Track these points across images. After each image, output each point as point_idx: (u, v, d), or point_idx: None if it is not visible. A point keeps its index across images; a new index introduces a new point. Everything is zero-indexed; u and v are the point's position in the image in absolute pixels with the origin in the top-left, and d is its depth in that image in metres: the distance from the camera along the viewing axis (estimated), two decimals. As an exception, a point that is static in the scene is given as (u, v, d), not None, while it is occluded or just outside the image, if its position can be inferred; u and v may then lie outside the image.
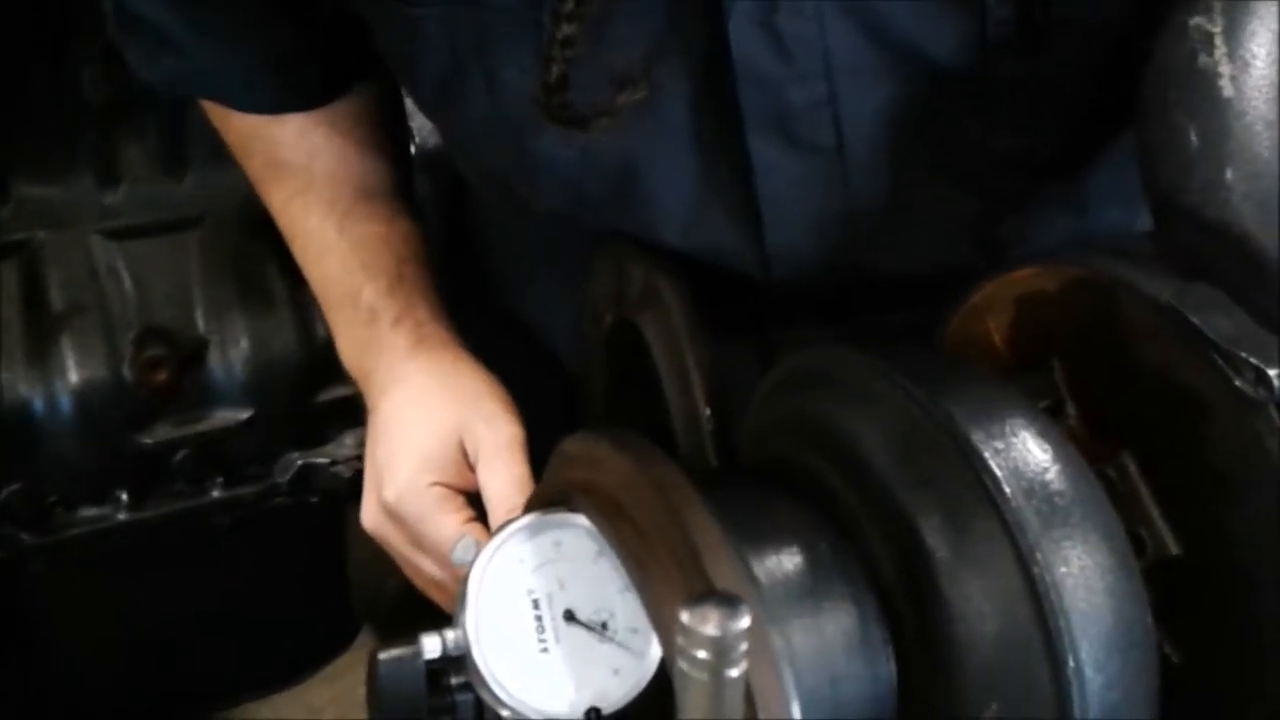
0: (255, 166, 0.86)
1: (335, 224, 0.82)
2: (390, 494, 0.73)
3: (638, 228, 0.70)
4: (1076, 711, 0.45)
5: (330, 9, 0.77)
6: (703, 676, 0.32)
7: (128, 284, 1.11)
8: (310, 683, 1.31)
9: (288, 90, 0.83)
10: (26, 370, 1.06)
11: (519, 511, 0.67)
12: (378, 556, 1.18)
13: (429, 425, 0.74)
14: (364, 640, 1.32)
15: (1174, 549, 0.53)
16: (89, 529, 1.08)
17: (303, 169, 0.84)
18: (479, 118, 0.69)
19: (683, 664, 0.32)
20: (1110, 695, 0.46)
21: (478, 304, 0.91)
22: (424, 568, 0.74)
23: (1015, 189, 0.72)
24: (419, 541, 0.73)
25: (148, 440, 1.09)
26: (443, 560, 0.72)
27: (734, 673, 0.32)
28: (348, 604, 1.25)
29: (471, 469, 0.72)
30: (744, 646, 0.32)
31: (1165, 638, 0.51)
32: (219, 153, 0.96)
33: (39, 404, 1.06)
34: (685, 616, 0.32)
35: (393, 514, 0.73)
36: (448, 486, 0.72)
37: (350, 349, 0.82)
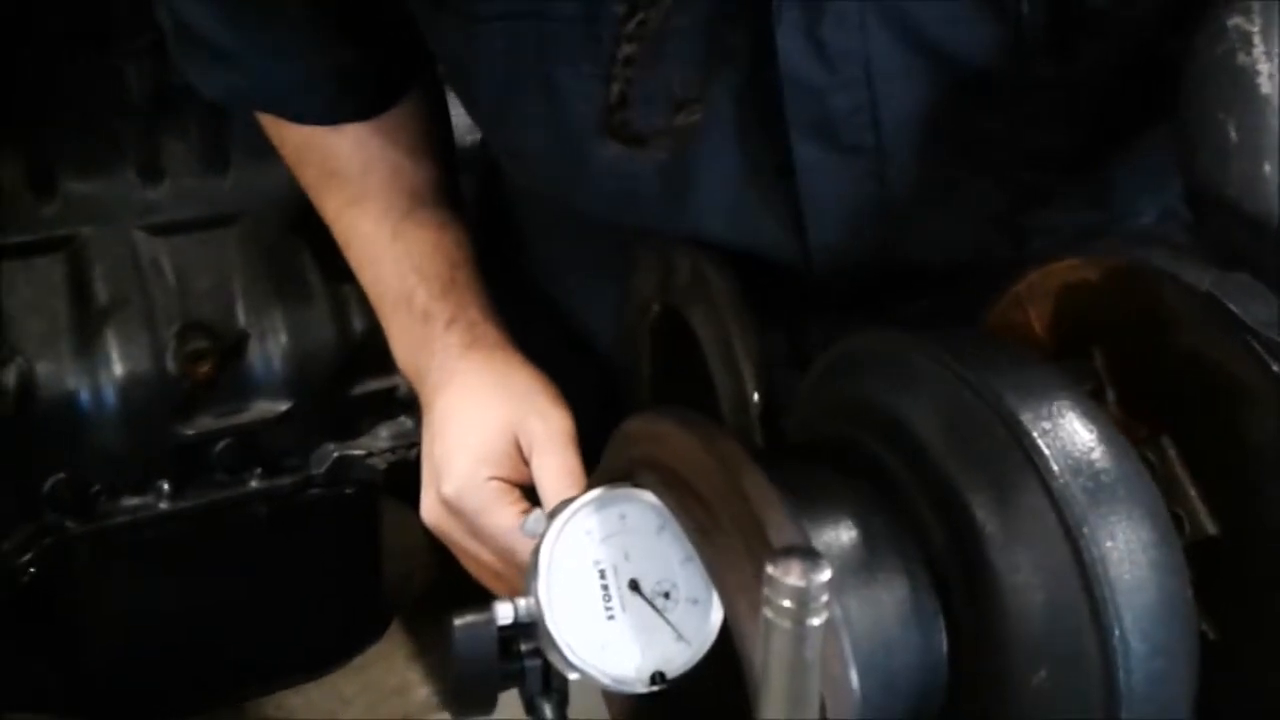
0: (310, 176, 0.89)
1: (389, 231, 0.85)
2: (449, 489, 0.75)
3: (683, 226, 0.72)
4: (1122, 679, 0.47)
5: (386, 20, 0.79)
6: (786, 624, 0.34)
7: (170, 278, 1.13)
8: (341, 672, 1.33)
9: (344, 101, 0.85)
10: (72, 363, 1.08)
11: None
12: (407, 549, 1.19)
13: (484, 421, 0.77)
14: (394, 631, 1.34)
15: (1211, 529, 0.55)
16: (131, 518, 1.11)
17: (357, 178, 0.86)
18: (535, 129, 0.71)
19: (768, 613, 0.34)
20: (1154, 664, 0.48)
21: (514, 295, 0.93)
22: (483, 558, 0.76)
23: (1043, 182, 0.74)
24: (478, 533, 0.76)
25: (189, 431, 1.12)
26: (502, 551, 0.74)
27: (815, 621, 0.34)
28: (380, 595, 1.27)
29: (526, 462, 0.75)
30: (825, 598, 0.34)
31: (1202, 615, 0.53)
32: (260, 150, 0.98)
33: (84, 396, 1.08)
34: (771, 569, 0.34)
35: (452, 508, 0.76)
36: (504, 480, 0.75)
37: (405, 350, 0.85)
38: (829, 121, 0.67)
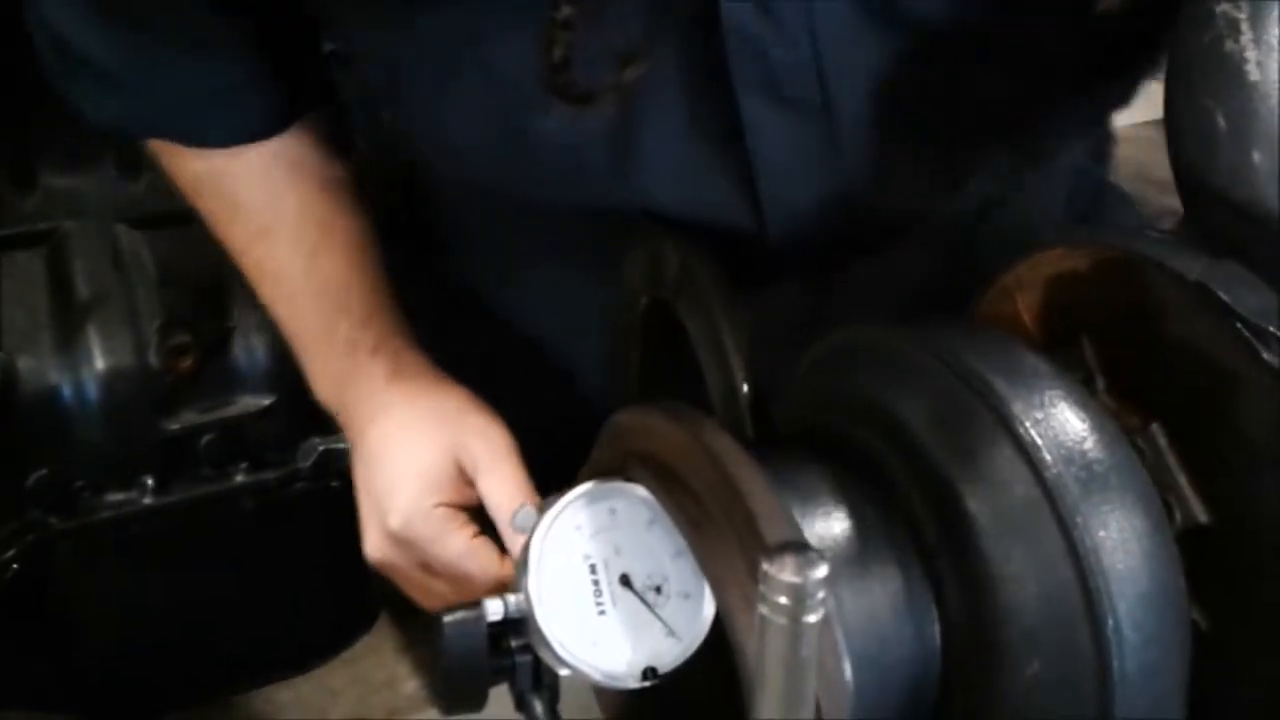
0: (213, 207, 0.85)
1: (302, 264, 0.82)
2: (396, 521, 0.75)
3: (632, 196, 0.71)
4: (1116, 669, 0.47)
5: (283, 30, 0.77)
6: (782, 621, 0.34)
7: (152, 272, 1.12)
8: (330, 666, 1.32)
9: (241, 121, 0.81)
10: (53, 358, 1.07)
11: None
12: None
13: (423, 447, 0.76)
14: (382, 625, 1.34)
15: (1202, 518, 0.55)
16: (115, 514, 1.10)
17: (265, 209, 0.83)
18: (472, 114, 0.70)
19: (764, 609, 0.34)
20: (1148, 654, 0.48)
21: (447, 305, 0.91)
22: (436, 588, 0.76)
23: (989, 138, 0.74)
24: (429, 563, 0.75)
25: (173, 426, 1.11)
26: (456, 578, 0.74)
27: (812, 619, 0.34)
28: (368, 588, 1.27)
29: (470, 483, 0.75)
30: (821, 594, 0.34)
31: (1193, 604, 0.53)
32: (241, 143, 0.97)
33: (66, 391, 1.07)
34: (767, 565, 0.34)
35: (400, 540, 0.75)
36: (451, 505, 0.75)
37: (328, 383, 0.83)
38: (774, 77, 0.67)
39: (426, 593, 0.77)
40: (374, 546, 0.77)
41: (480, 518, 0.74)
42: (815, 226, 0.73)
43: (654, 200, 0.71)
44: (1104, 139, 0.97)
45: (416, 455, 0.75)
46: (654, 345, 0.74)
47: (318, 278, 0.81)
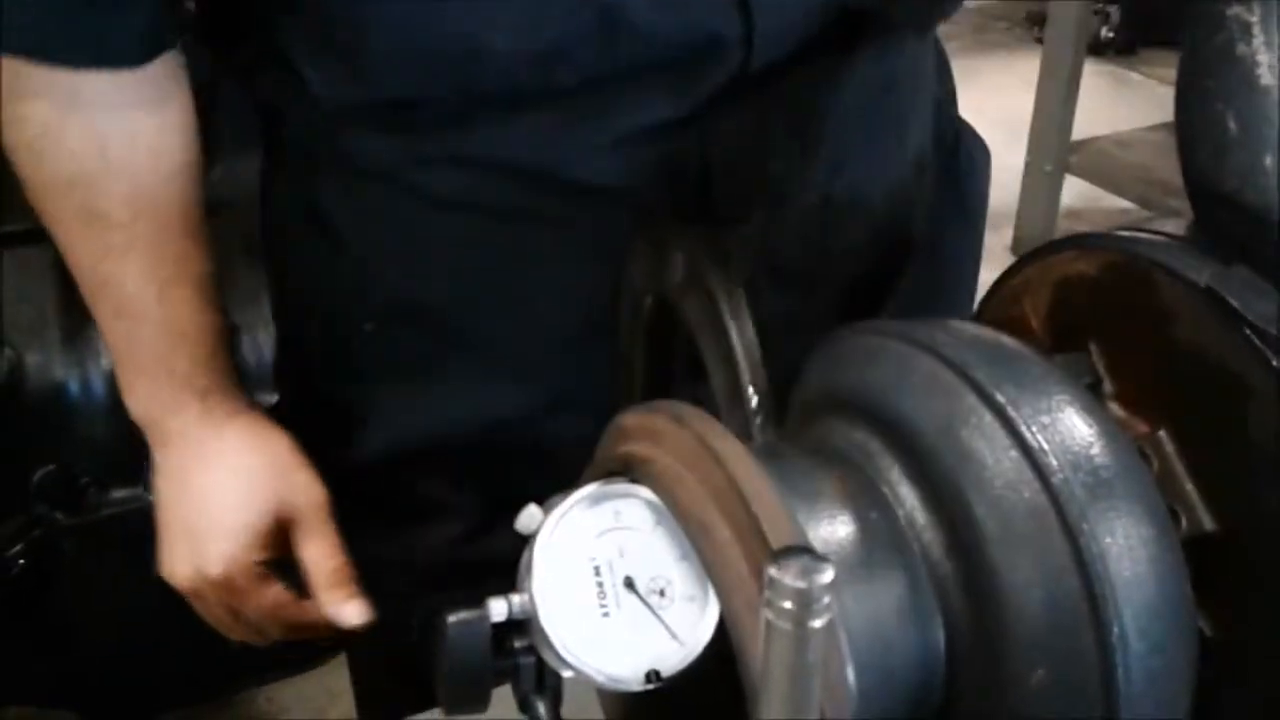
0: (67, 214, 0.78)
1: (155, 293, 0.79)
2: (215, 569, 0.78)
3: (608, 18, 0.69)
4: (1121, 676, 0.47)
5: None
6: (787, 626, 0.34)
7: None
8: (330, 666, 1.33)
9: (108, 32, 0.73)
10: (60, 354, 1.08)
11: (340, 574, 0.78)
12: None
13: (252, 501, 0.79)
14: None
15: (1209, 525, 0.55)
16: (120, 509, 1.10)
17: (126, 225, 0.77)
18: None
19: (769, 614, 0.34)
20: (1153, 661, 0.48)
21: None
22: (234, 625, 0.82)
23: None
24: (237, 611, 0.81)
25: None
26: (258, 625, 0.81)
27: (817, 623, 0.34)
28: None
29: (286, 534, 0.79)
30: (827, 599, 0.34)
31: (1199, 611, 0.53)
32: (247, 141, 0.97)
33: (72, 387, 1.08)
34: (773, 570, 0.34)
35: (214, 585, 0.79)
36: (269, 560, 0.79)
37: (149, 404, 0.81)
38: None
39: (224, 624, 0.83)
40: (184, 578, 0.80)
41: (288, 566, 0.80)
42: (801, 21, 0.74)
43: (630, 10, 0.69)
44: (945, 69, 0.97)
45: (244, 509, 0.79)
46: (658, 345, 0.74)
47: (166, 310, 0.79)
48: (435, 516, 0.87)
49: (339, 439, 0.86)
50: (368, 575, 0.82)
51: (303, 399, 0.92)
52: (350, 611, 0.78)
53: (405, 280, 0.82)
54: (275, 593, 0.80)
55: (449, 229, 0.79)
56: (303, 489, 0.79)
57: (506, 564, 0.81)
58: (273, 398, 1.11)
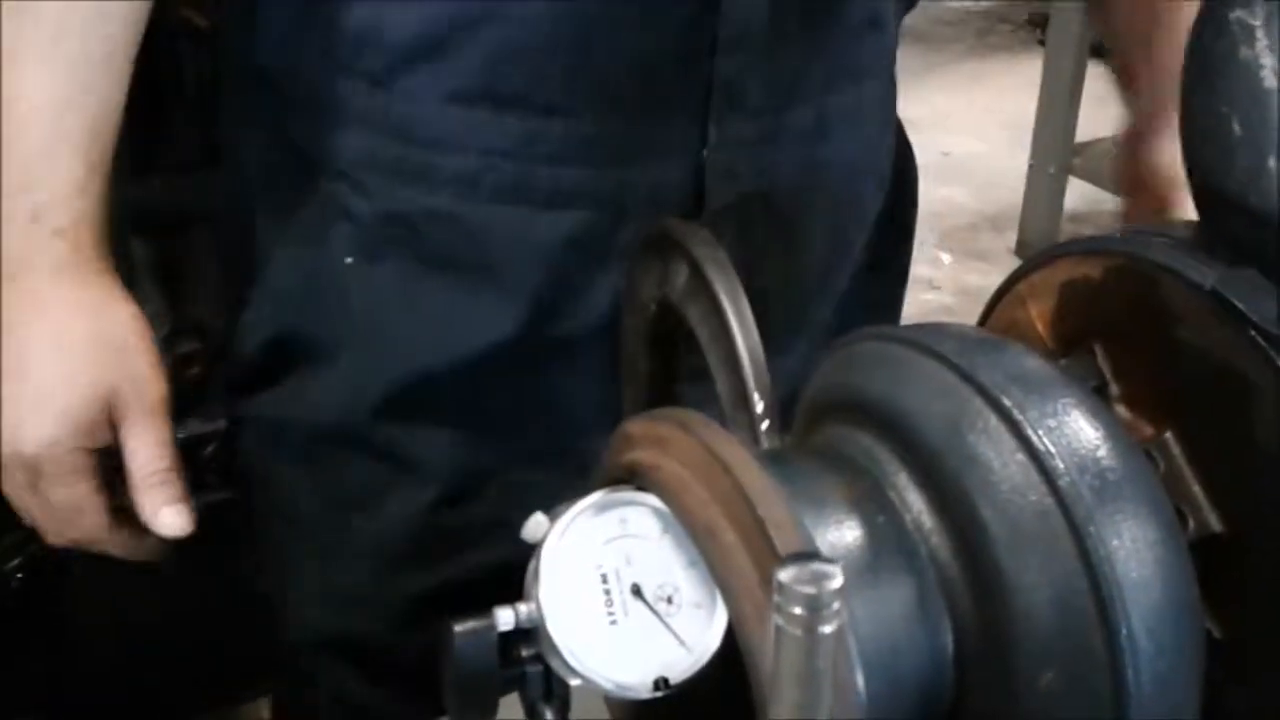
0: None
1: (83, 80, 0.67)
2: (27, 449, 0.69)
3: None
4: (1130, 678, 0.47)
5: None
6: (797, 632, 0.34)
7: (159, 280, 1.13)
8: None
9: None
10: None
11: (165, 475, 0.71)
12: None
13: (75, 383, 0.69)
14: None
15: (1216, 526, 0.55)
16: (123, 521, 1.10)
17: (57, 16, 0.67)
18: None
19: (778, 620, 0.34)
20: (1161, 662, 0.48)
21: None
22: (32, 505, 0.72)
23: None
24: (43, 497, 0.71)
25: (179, 435, 1.10)
26: (56, 516, 0.71)
27: (827, 629, 0.34)
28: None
29: (113, 426, 0.70)
30: (837, 605, 0.34)
31: (1207, 612, 0.53)
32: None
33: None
34: (783, 575, 0.34)
35: (21, 464, 0.70)
36: (87, 449, 0.70)
37: None
38: None
39: (24, 505, 0.73)
40: None
41: (111, 461, 0.71)
42: None
43: None
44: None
45: (65, 388, 0.69)
46: (663, 351, 0.74)
47: (76, 121, 0.67)
48: (407, 478, 0.81)
49: (303, 395, 0.80)
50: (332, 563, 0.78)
51: (269, 361, 0.83)
52: (169, 517, 0.72)
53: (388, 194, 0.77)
54: (87, 489, 0.71)
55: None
56: (135, 379, 0.70)
57: (483, 526, 0.80)
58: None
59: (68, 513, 0.72)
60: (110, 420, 0.71)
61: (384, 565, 0.82)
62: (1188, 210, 0.74)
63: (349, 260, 0.77)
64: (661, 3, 0.72)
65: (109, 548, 0.75)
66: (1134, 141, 0.90)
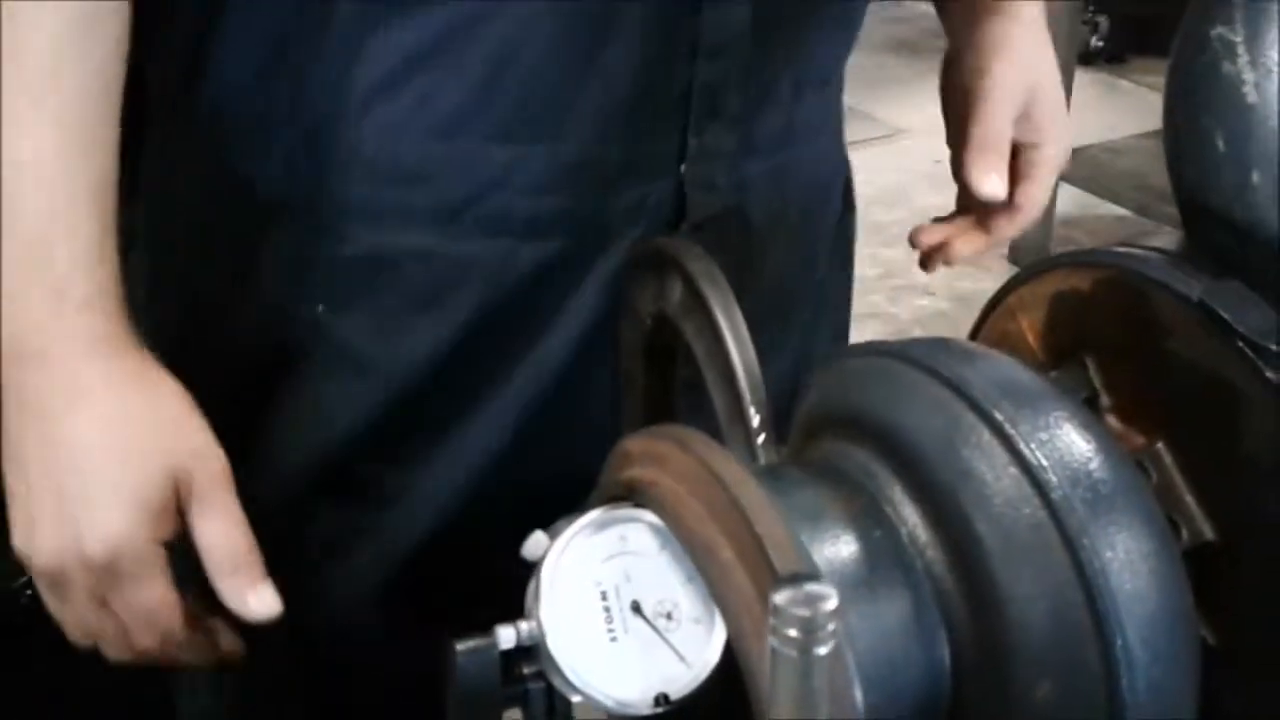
0: None
1: (80, 148, 0.62)
2: (98, 549, 0.61)
3: None
4: (1126, 689, 0.48)
5: None
6: (792, 654, 0.34)
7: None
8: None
9: None
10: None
11: (247, 556, 0.63)
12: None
13: (140, 464, 0.62)
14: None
15: (1209, 535, 0.56)
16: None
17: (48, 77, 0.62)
18: None
19: (774, 642, 0.34)
20: (1157, 671, 0.48)
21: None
22: (96, 625, 0.64)
23: None
24: (120, 605, 0.63)
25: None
26: (128, 638, 0.64)
27: (823, 650, 0.34)
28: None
29: (180, 511, 0.63)
30: (832, 626, 0.34)
31: (1202, 621, 0.54)
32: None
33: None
34: (778, 597, 0.34)
35: (92, 568, 0.61)
36: (162, 540, 0.62)
37: (9, 306, 0.62)
38: None
39: (81, 624, 0.64)
40: (48, 555, 0.61)
41: (183, 550, 0.64)
42: None
43: None
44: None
45: (134, 474, 0.61)
46: (660, 365, 0.74)
47: (65, 162, 0.61)
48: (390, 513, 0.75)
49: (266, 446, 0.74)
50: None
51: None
52: (259, 601, 0.63)
53: None
54: (162, 586, 0.62)
55: None
56: (198, 453, 0.63)
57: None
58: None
59: (144, 618, 0.64)
60: (178, 505, 0.63)
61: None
62: (990, 120, 0.82)
63: (320, 309, 0.72)
64: (643, 10, 0.71)
65: (185, 653, 0.67)
66: (946, 64, 0.92)
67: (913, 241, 0.91)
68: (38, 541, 0.62)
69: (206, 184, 0.74)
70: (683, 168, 0.76)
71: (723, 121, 0.76)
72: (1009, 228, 0.87)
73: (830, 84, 0.85)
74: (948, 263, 0.90)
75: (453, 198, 0.72)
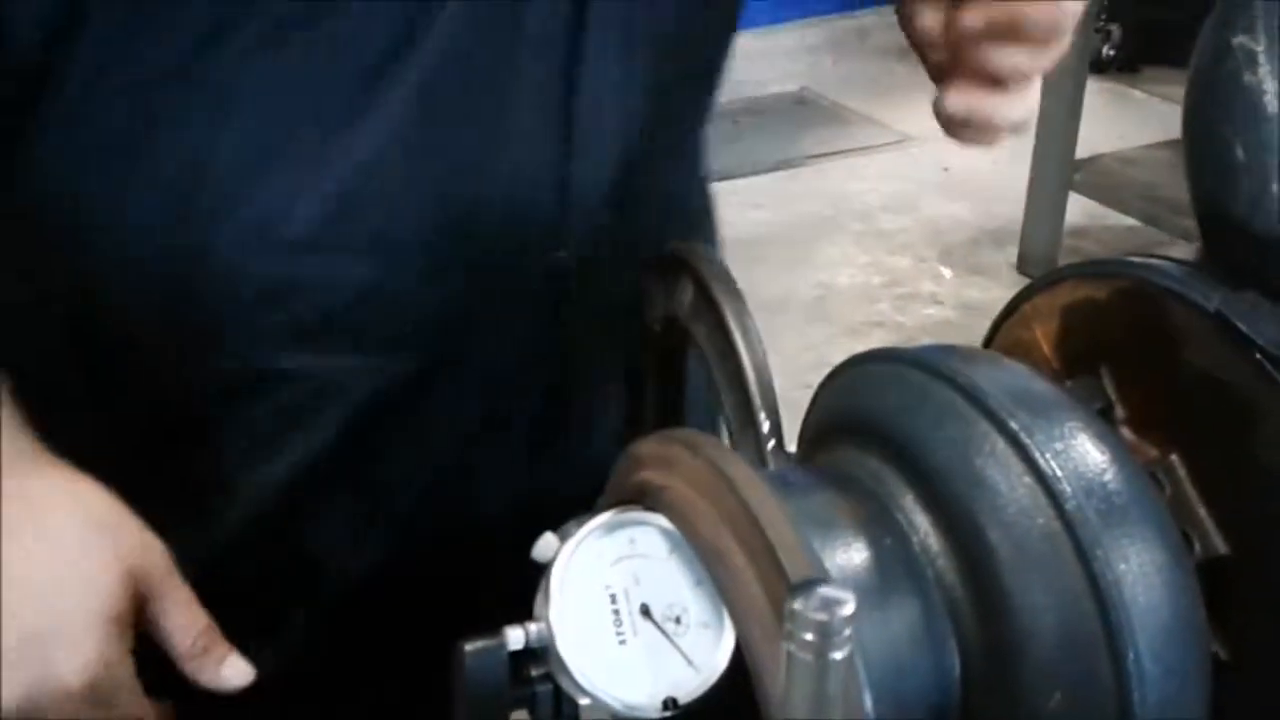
0: None
1: None
2: (76, 678, 0.56)
3: None
4: (1136, 702, 0.47)
5: None
6: (808, 658, 0.34)
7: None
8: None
9: None
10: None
11: (210, 634, 0.61)
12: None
13: (103, 575, 0.58)
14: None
15: (1222, 548, 0.55)
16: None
17: None
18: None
19: (790, 647, 0.34)
20: (1168, 685, 0.48)
21: None
22: None
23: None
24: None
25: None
26: None
27: (838, 655, 0.34)
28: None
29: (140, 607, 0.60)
30: (848, 631, 0.34)
31: (1213, 634, 0.53)
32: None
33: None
34: (795, 602, 0.34)
35: (71, 696, 0.57)
36: (131, 649, 0.59)
37: None
38: None
39: None
40: (18, 701, 0.56)
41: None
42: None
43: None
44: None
45: (97, 587, 0.57)
46: (669, 370, 0.74)
47: None
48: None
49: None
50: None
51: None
52: (231, 673, 0.61)
53: None
54: (140, 696, 0.59)
55: None
56: (147, 544, 0.60)
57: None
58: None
59: None
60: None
61: None
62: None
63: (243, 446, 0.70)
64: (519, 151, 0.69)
65: None
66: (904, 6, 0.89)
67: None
68: (4, 686, 0.56)
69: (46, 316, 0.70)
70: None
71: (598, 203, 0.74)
72: None
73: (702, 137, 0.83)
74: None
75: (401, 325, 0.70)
